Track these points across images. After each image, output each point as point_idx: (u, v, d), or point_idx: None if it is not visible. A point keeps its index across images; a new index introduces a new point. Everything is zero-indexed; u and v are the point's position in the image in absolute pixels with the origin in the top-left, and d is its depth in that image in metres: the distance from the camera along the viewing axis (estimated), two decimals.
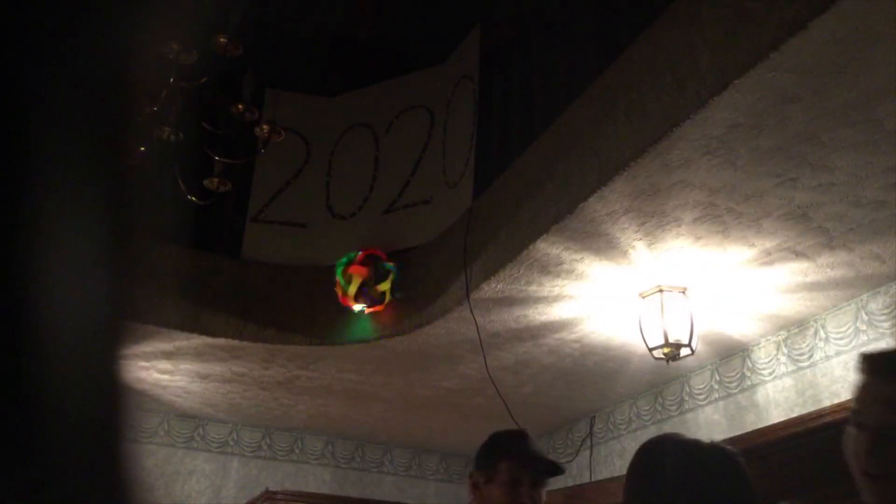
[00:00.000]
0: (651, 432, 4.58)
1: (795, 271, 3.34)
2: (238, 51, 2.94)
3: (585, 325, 3.93)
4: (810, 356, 3.71)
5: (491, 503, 2.03)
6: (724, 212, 2.96)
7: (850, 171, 2.70)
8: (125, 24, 0.29)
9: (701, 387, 4.34)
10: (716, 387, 4.25)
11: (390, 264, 4.26)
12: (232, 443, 5.67)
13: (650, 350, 3.60)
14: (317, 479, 5.77)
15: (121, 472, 0.27)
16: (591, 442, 5.12)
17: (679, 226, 3.07)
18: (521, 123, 3.86)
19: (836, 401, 3.44)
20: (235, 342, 4.34)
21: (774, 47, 2.19)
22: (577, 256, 3.33)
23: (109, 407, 0.27)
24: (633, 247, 3.25)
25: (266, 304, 4.43)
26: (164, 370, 4.75)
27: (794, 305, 3.62)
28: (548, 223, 3.13)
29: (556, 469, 2.11)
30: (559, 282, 3.54)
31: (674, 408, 4.52)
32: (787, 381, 3.82)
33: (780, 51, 2.18)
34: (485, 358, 4.10)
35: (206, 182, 3.24)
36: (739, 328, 3.86)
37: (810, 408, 3.61)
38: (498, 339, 4.11)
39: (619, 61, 2.92)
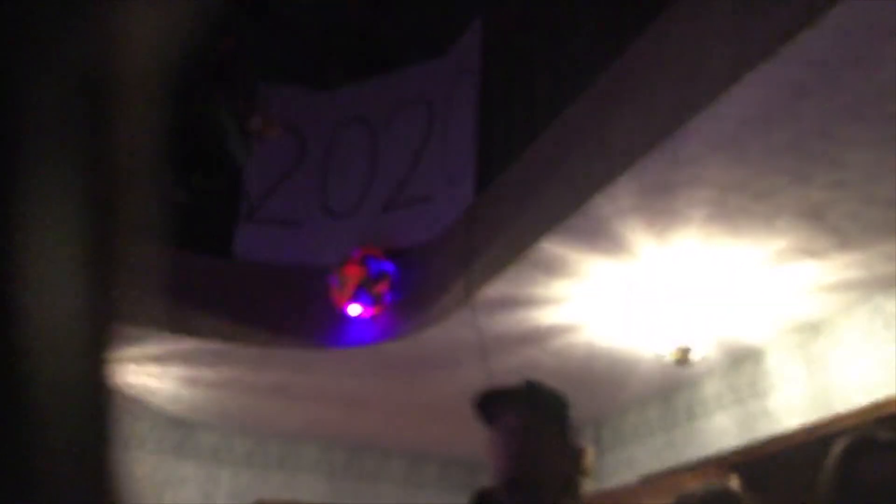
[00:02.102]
0: (659, 440, 4.54)
1: (809, 272, 3.34)
2: (232, 43, 2.90)
3: (591, 327, 3.92)
4: (824, 360, 3.70)
5: None
6: (736, 210, 2.97)
7: (864, 168, 2.71)
8: (114, 16, 0.28)
9: (711, 393, 4.33)
10: (726, 392, 4.23)
11: (388, 264, 4.21)
12: (224, 450, 5.60)
13: (659, 354, 3.61)
14: (311, 489, 5.73)
15: (108, 481, 0.27)
16: (600, 449, 5.04)
17: (689, 224, 3.06)
18: (525, 118, 3.86)
19: (852, 406, 3.44)
20: (226, 345, 4.32)
21: (786, 40, 2.20)
22: (583, 256, 3.31)
23: (96, 413, 0.27)
24: (641, 246, 3.23)
25: (259, 306, 4.42)
26: (152, 374, 4.69)
27: (807, 307, 3.62)
28: (552, 221, 3.12)
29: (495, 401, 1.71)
30: (564, 283, 3.52)
31: (683, 414, 4.51)
32: (801, 386, 3.81)
33: (793, 44, 2.20)
34: (487, 362, 4.04)
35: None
36: (751, 331, 3.85)
37: (825, 413, 3.59)
38: (500, 343, 4.08)
39: (628, 54, 2.94)
